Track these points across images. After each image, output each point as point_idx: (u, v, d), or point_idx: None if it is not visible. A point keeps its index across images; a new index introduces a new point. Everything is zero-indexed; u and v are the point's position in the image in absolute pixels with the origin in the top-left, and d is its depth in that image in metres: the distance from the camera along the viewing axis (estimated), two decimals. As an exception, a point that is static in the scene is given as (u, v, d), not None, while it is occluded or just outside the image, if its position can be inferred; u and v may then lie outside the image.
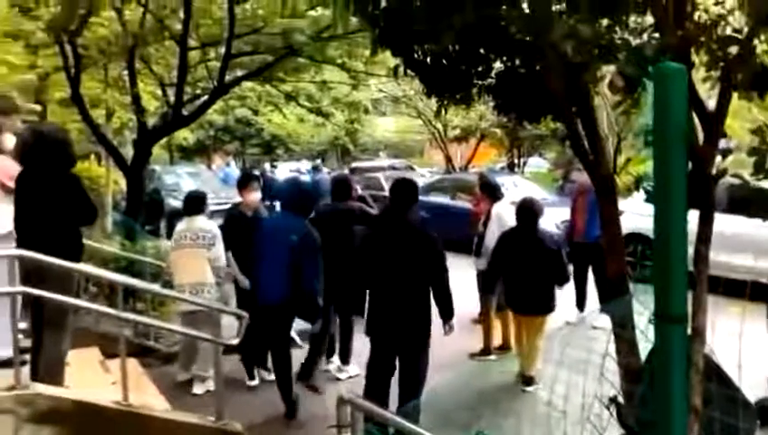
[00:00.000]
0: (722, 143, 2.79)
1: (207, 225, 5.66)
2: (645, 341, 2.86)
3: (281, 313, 5.05)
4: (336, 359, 6.07)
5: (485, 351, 6.39)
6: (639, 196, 8.41)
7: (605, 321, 3.32)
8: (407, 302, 4.38)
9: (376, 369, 4.53)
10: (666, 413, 1.83)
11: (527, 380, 5.55)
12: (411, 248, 4.41)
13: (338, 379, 5.89)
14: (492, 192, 6.72)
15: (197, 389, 5.52)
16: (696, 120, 2.75)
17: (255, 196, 6.02)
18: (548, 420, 4.65)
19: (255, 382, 5.73)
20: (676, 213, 1.62)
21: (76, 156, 4.37)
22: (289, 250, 4.89)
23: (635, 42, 2.78)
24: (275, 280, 4.92)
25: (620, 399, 2.75)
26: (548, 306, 5.58)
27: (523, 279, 5.53)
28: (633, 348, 2.77)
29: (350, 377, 5.88)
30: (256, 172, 19.59)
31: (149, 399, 4.63)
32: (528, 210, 5.63)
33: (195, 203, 5.71)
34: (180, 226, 5.71)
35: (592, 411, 3.34)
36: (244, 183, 6.19)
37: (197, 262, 5.48)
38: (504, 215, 6.45)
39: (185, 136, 22.95)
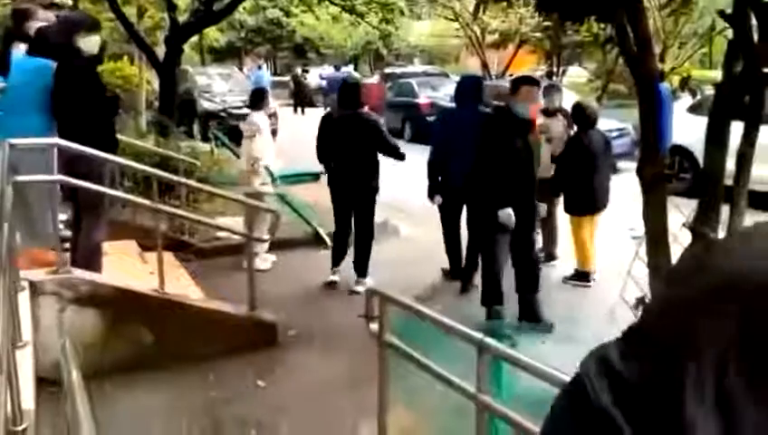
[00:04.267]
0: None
1: (253, 118, 6.06)
2: (675, 245, 2.83)
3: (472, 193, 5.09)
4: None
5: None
6: (683, 104, 8.04)
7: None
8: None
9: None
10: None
11: (584, 274, 5.66)
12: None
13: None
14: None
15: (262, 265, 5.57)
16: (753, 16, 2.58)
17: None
18: (573, 321, 4.72)
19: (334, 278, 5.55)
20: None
21: (79, 49, 4.17)
22: (472, 135, 4.91)
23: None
24: (466, 165, 4.95)
25: (648, 300, 2.75)
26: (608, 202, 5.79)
27: (593, 180, 5.60)
28: (664, 248, 2.74)
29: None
30: (287, 78, 19.20)
31: (185, 289, 4.81)
32: (585, 113, 5.71)
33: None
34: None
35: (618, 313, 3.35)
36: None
37: (246, 148, 6.11)
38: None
39: (216, 37, 22.55)
